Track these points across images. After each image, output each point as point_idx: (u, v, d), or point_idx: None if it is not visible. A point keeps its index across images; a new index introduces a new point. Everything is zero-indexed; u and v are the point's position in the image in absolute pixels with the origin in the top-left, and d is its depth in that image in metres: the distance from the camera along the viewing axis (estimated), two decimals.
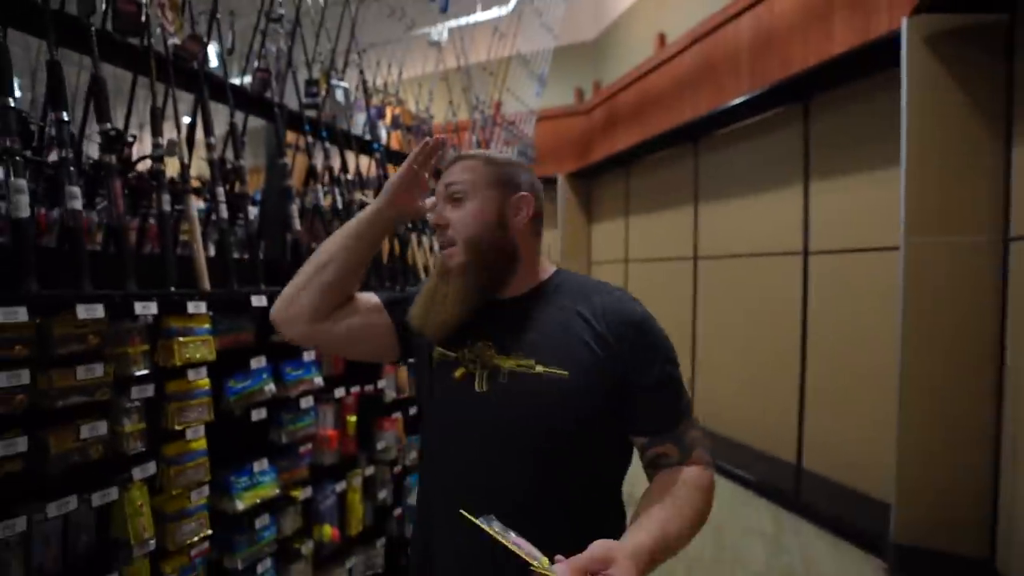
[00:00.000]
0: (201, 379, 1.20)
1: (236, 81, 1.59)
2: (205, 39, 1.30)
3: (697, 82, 3.94)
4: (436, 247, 0.88)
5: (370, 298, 0.93)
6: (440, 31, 3.63)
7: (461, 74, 2.87)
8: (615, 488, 0.83)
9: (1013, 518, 2.04)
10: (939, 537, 2.23)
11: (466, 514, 0.63)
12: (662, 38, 4.44)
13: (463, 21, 3.48)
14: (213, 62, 2.13)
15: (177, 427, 1.15)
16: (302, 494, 1.52)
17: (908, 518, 2.30)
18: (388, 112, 2.21)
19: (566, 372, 0.74)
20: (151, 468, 1.10)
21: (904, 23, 2.29)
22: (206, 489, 1.22)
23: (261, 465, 1.38)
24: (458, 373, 0.80)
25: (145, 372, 1.09)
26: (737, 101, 3.44)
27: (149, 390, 1.10)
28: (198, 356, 1.17)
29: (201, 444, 1.20)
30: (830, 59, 2.78)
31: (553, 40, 3.24)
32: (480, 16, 3.73)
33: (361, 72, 1.97)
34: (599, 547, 0.60)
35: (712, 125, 3.94)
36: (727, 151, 4.01)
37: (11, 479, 0.90)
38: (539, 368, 0.76)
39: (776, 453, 3.40)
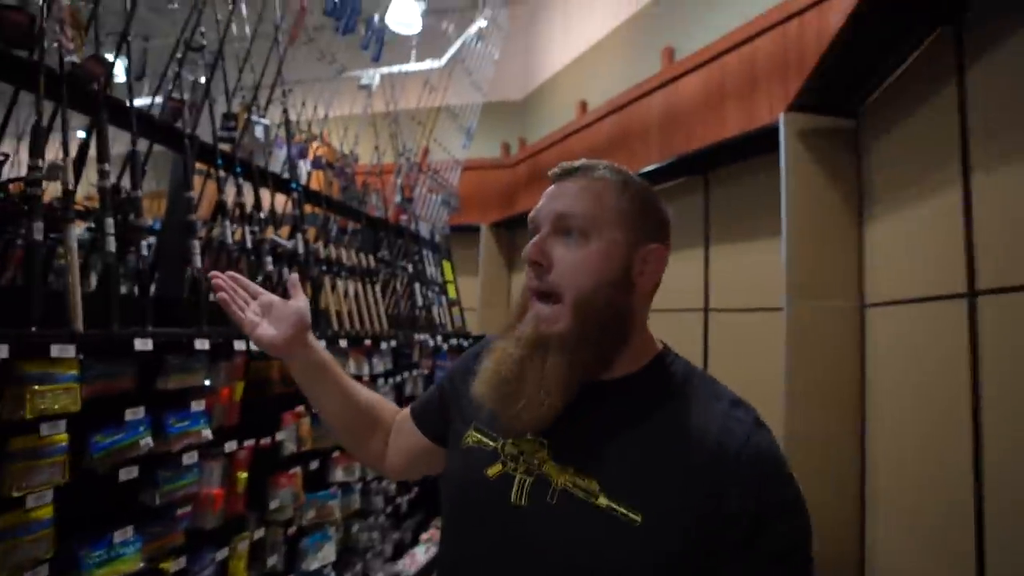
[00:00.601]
0: (57, 434, 1.03)
1: (146, 102, 1.48)
2: (111, 60, 1.20)
3: (612, 148, 4.24)
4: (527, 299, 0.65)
5: (405, 417, 0.80)
6: (372, 76, 3.65)
7: (389, 119, 2.88)
8: None
9: (874, 560, 2.23)
10: None
11: None
12: (584, 105, 4.76)
13: (395, 69, 3.53)
14: (119, 77, 1.98)
15: (16, 493, 0.97)
16: (173, 566, 1.33)
17: None
18: (311, 150, 2.15)
19: (639, 517, 0.53)
20: None
21: (781, 118, 2.63)
22: (45, 569, 1.02)
23: (124, 534, 1.19)
24: (492, 471, 0.61)
25: None
26: (647, 169, 3.74)
27: None
28: (56, 407, 1.01)
29: (46, 512, 1.02)
30: (724, 140, 3.11)
31: (481, 97, 3.37)
32: (412, 66, 3.80)
33: (285, 111, 1.91)
34: None
35: None
36: None
37: None
38: (603, 500, 0.54)
39: None
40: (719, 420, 0.57)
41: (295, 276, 0.77)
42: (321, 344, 0.75)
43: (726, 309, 3.41)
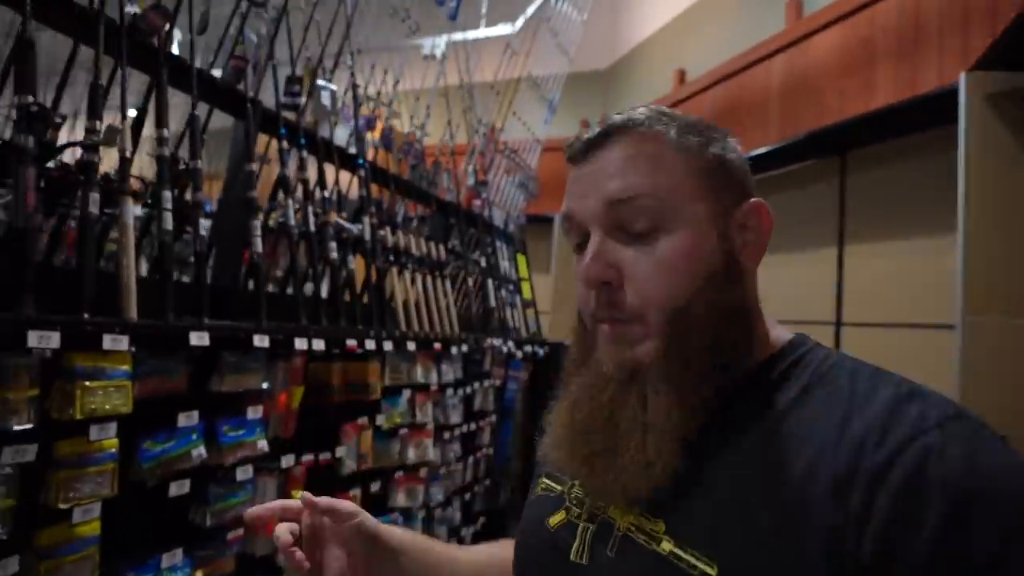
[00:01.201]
0: (107, 439, 1.01)
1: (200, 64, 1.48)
2: (171, 12, 1.18)
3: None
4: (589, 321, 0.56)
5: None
6: (438, 44, 3.63)
7: (463, 92, 2.82)
8: None
9: None
10: None
11: None
12: (682, 74, 4.53)
13: (467, 35, 3.48)
14: (175, 48, 2.03)
15: (62, 505, 0.95)
16: None
17: None
18: (378, 125, 2.11)
19: (711, 567, 0.42)
20: (13, 565, 0.90)
21: (962, 78, 2.33)
22: None
23: (173, 558, 1.17)
24: (555, 519, 0.55)
25: (28, 426, 0.90)
26: (763, 150, 3.47)
27: (30, 452, 0.91)
28: (108, 407, 0.99)
29: (93, 529, 1.00)
30: (871, 111, 2.81)
31: (568, 64, 3.25)
32: (484, 32, 3.74)
33: (353, 75, 1.88)
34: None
35: None
36: None
37: None
38: (666, 545, 0.45)
39: None
40: (865, 422, 0.42)
41: (306, 495, 0.64)
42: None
43: (865, 324, 3.10)
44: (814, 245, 3.40)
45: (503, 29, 3.77)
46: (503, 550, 0.68)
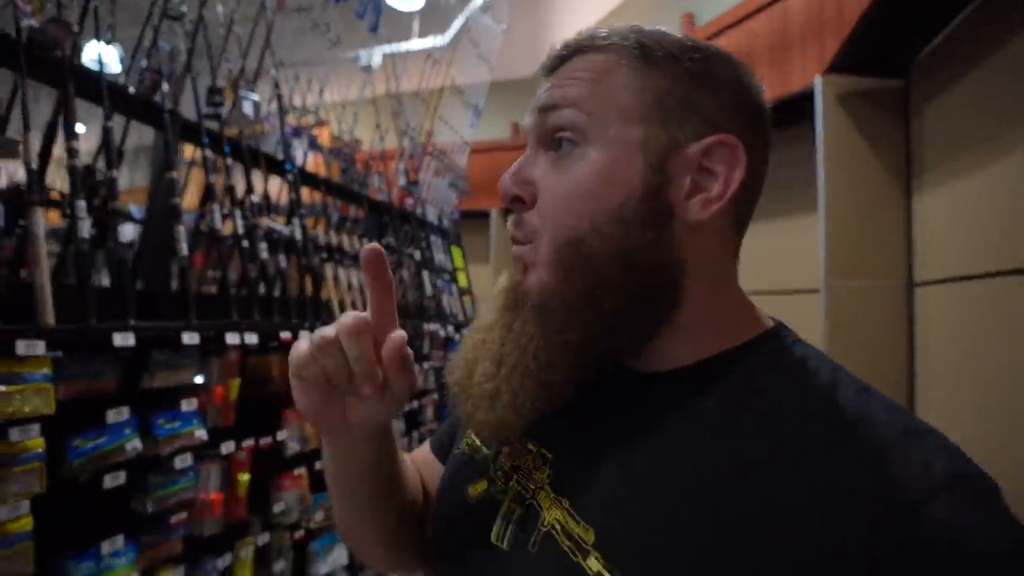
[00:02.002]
0: (31, 439, 0.95)
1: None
2: (75, 26, 1.11)
3: None
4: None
5: (425, 454, 0.58)
6: (372, 55, 3.54)
7: (391, 100, 2.77)
8: None
9: None
10: None
11: None
12: None
13: (398, 48, 3.41)
14: (115, 67, 1.90)
15: None
16: (173, 575, 1.26)
17: None
18: (324, 131, 2.06)
19: None
20: None
21: (818, 81, 2.47)
22: None
23: (114, 544, 1.12)
24: (475, 489, 0.44)
25: None
26: None
27: None
28: (27, 410, 0.94)
29: (25, 525, 0.95)
30: None
31: (489, 72, 3.25)
32: (415, 44, 3.68)
33: (276, 85, 1.81)
34: None
35: None
36: None
37: None
38: (593, 562, 0.34)
39: None
40: (873, 458, 0.30)
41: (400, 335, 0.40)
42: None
43: (754, 292, 3.28)
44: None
45: (433, 41, 3.72)
46: (413, 475, 0.56)
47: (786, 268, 3.02)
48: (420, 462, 0.58)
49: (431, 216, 2.98)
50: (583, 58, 0.40)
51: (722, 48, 0.40)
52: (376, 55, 3.47)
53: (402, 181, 2.78)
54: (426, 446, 0.59)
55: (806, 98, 2.58)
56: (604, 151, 0.37)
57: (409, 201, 2.77)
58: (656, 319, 0.38)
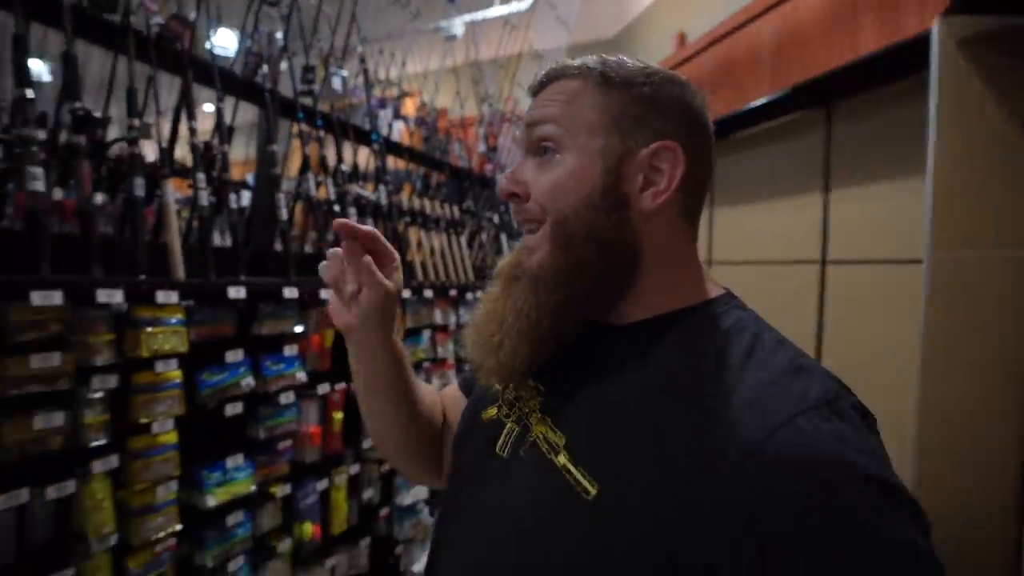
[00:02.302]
0: (171, 371, 1.15)
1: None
2: (190, 19, 1.25)
3: (716, 83, 3.81)
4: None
5: (454, 392, 0.70)
6: (456, 25, 3.57)
7: (471, 68, 2.80)
8: None
9: None
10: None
11: None
12: (682, 37, 4.31)
13: (479, 16, 3.41)
14: (232, 49, 2.08)
15: (143, 420, 1.10)
16: (281, 491, 1.47)
17: None
18: (402, 106, 2.15)
19: (594, 489, 0.42)
20: (113, 461, 1.06)
21: (935, 24, 2.15)
22: (175, 484, 1.17)
23: (236, 461, 1.33)
24: (487, 413, 0.56)
25: (110, 362, 1.05)
26: (757, 103, 3.31)
27: (112, 381, 1.05)
28: (167, 347, 1.13)
29: (170, 438, 1.16)
30: (853, 62, 2.64)
31: (568, 35, 3.15)
32: (496, 11, 3.65)
33: (362, 60, 1.91)
34: None
35: (731, 128, 3.81)
36: (746, 155, 3.88)
37: None
38: (562, 458, 0.45)
39: None
40: (750, 393, 0.39)
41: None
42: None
43: (848, 261, 3.00)
44: (802, 191, 3.28)
45: (511, 7, 3.66)
46: (432, 395, 0.70)
47: (886, 235, 2.73)
48: (448, 397, 0.71)
49: None
50: (560, 83, 0.50)
51: None
52: (459, 24, 3.49)
53: (482, 147, 2.83)
54: (454, 384, 0.73)
55: (921, 45, 2.26)
56: (574, 156, 0.48)
57: (488, 167, 2.82)
58: (620, 287, 0.49)
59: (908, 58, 2.40)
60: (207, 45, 1.39)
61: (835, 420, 0.38)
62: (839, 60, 2.75)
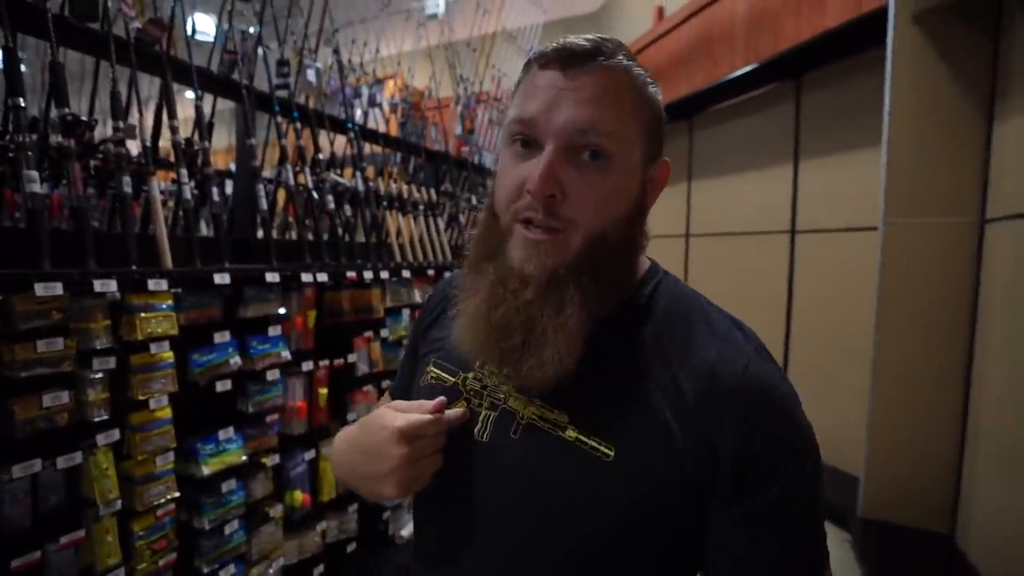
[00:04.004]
0: (164, 352, 1.27)
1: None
2: (166, 22, 1.33)
3: (693, 56, 3.88)
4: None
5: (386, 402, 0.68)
6: (436, 3, 3.59)
7: (446, 50, 2.86)
8: None
9: (973, 497, 2.10)
10: (904, 513, 2.30)
11: None
12: (660, 11, 4.35)
13: None
14: (211, 35, 2.12)
15: (141, 397, 1.23)
16: (271, 461, 1.61)
17: (875, 493, 2.37)
18: (390, 85, 2.22)
19: (611, 451, 0.48)
20: (115, 435, 1.19)
21: None
22: (171, 455, 1.30)
23: (227, 433, 1.46)
24: (452, 407, 0.55)
25: (108, 346, 1.16)
26: (731, 76, 3.39)
27: (111, 362, 1.17)
28: (160, 331, 1.24)
29: (166, 413, 1.28)
30: (819, 35, 2.73)
31: (542, 14, 3.20)
32: None
33: (335, 51, 1.98)
34: None
35: (707, 101, 3.90)
36: (721, 128, 3.97)
37: None
38: (571, 432, 0.49)
39: None
40: (714, 347, 0.49)
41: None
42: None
43: (815, 230, 3.14)
44: (774, 163, 3.39)
45: None
46: None
47: (850, 205, 2.86)
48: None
49: (488, 163, 3.10)
50: (605, 74, 0.49)
51: None
52: (439, 2, 3.52)
53: (458, 130, 2.91)
54: (387, 397, 0.72)
55: (880, 18, 2.35)
56: (620, 170, 0.50)
57: (465, 149, 2.91)
58: (621, 283, 0.54)
59: (871, 31, 2.50)
60: (187, 27, 1.45)
61: (764, 360, 0.50)
62: (808, 33, 2.85)
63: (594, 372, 0.50)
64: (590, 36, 0.50)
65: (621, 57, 0.49)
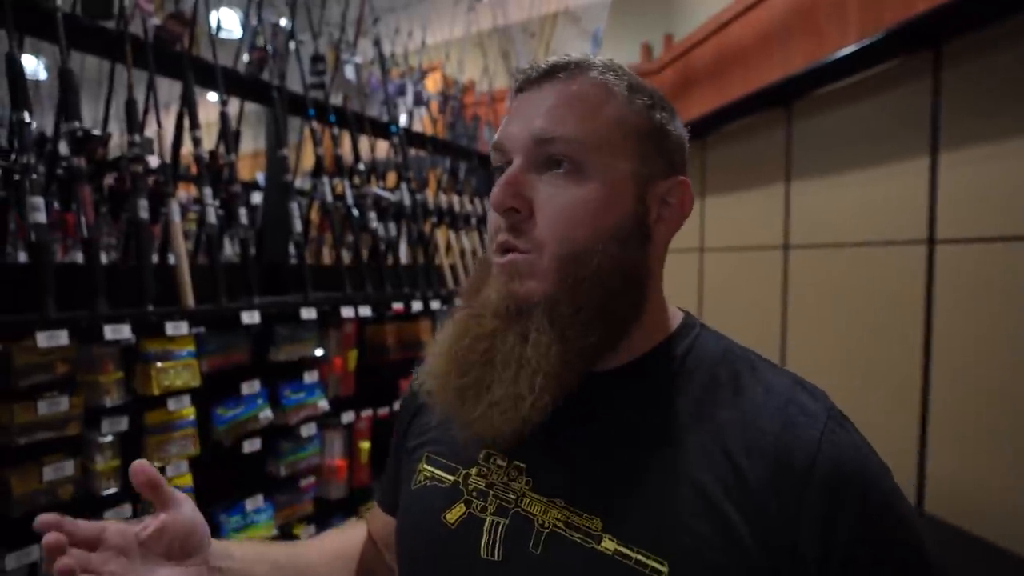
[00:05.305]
0: (184, 408, 1.20)
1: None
2: (188, 17, 1.29)
3: (790, 33, 3.66)
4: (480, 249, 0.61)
5: (376, 516, 0.67)
6: None
7: (499, 36, 2.79)
8: None
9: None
10: None
11: None
12: None
13: None
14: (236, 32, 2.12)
15: (156, 464, 1.16)
16: (305, 533, 1.53)
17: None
18: (433, 76, 2.17)
19: (663, 565, 0.43)
20: (126, 511, 1.12)
21: None
22: None
23: (255, 502, 1.39)
24: (452, 515, 0.51)
25: (119, 403, 1.10)
26: (842, 54, 3.16)
27: (123, 423, 1.11)
28: (179, 383, 1.18)
29: (185, 481, 1.21)
30: None
31: None
32: None
33: (377, 43, 1.93)
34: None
35: (809, 84, 3.66)
36: (828, 117, 3.72)
37: None
38: (609, 543, 0.44)
39: None
40: (776, 416, 0.46)
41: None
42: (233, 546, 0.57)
43: (962, 240, 2.85)
44: (901, 155, 3.12)
45: None
46: (346, 539, 0.68)
47: (1007, 207, 2.57)
48: (380, 527, 0.66)
49: None
50: (573, 82, 0.49)
51: None
52: None
53: None
54: (377, 510, 0.67)
55: None
56: (597, 183, 0.47)
57: None
58: (637, 320, 0.50)
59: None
60: (211, 23, 1.41)
61: (843, 428, 0.47)
62: None
63: (624, 453, 0.47)
64: (558, 58, 0.51)
65: (595, 73, 0.49)
